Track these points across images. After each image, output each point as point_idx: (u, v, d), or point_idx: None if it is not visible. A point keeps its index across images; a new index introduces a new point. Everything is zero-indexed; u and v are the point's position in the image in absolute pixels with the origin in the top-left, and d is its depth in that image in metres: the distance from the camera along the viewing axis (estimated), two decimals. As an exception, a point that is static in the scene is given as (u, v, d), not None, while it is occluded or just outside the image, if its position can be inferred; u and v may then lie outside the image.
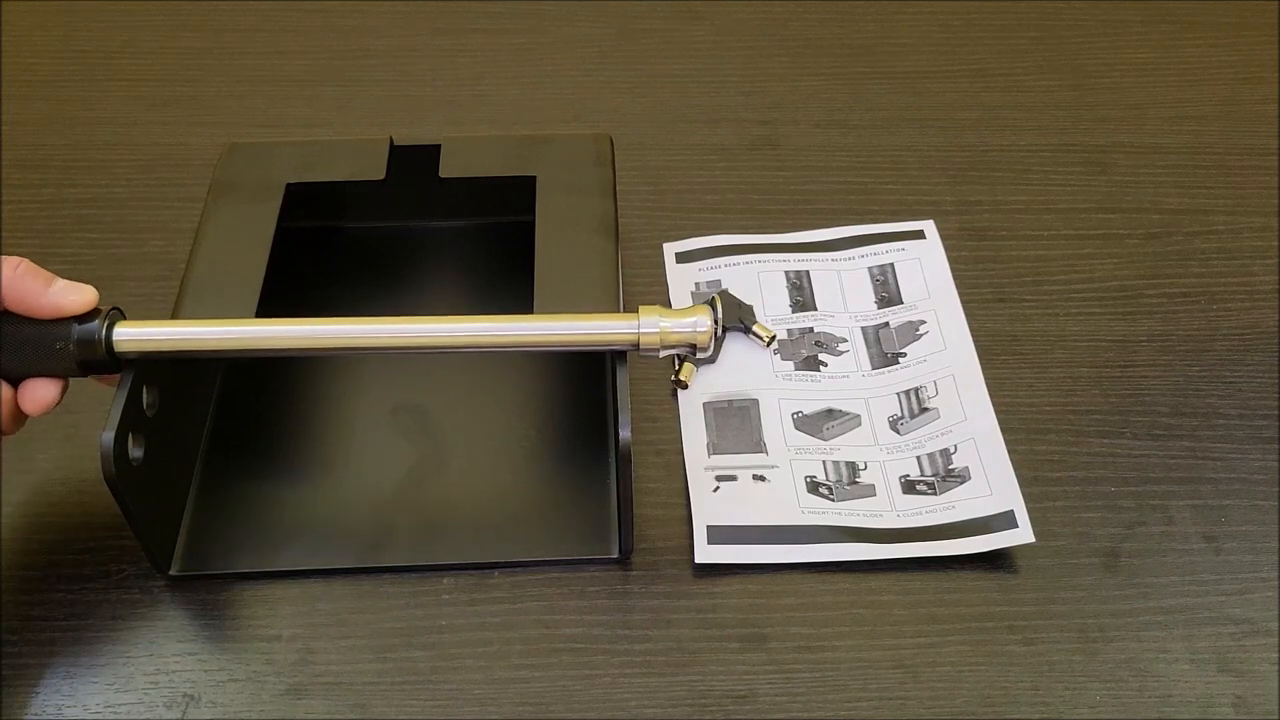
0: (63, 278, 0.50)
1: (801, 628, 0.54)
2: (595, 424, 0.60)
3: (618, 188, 0.61)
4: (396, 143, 0.63)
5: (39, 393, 0.50)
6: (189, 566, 0.55)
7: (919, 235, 0.70)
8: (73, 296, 0.50)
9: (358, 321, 0.51)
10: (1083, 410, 0.62)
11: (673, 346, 0.51)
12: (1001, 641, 0.53)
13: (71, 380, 0.51)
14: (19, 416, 0.51)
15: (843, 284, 0.67)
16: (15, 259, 0.50)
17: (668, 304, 0.67)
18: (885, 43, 0.83)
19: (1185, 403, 0.62)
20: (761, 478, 0.59)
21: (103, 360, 0.50)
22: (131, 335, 0.50)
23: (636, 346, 0.51)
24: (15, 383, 0.51)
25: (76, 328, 0.50)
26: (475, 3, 0.86)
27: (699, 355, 0.51)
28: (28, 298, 0.49)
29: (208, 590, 0.55)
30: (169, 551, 0.55)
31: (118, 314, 0.51)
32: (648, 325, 0.51)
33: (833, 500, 0.58)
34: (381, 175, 0.62)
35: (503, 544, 0.56)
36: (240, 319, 0.52)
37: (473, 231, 0.69)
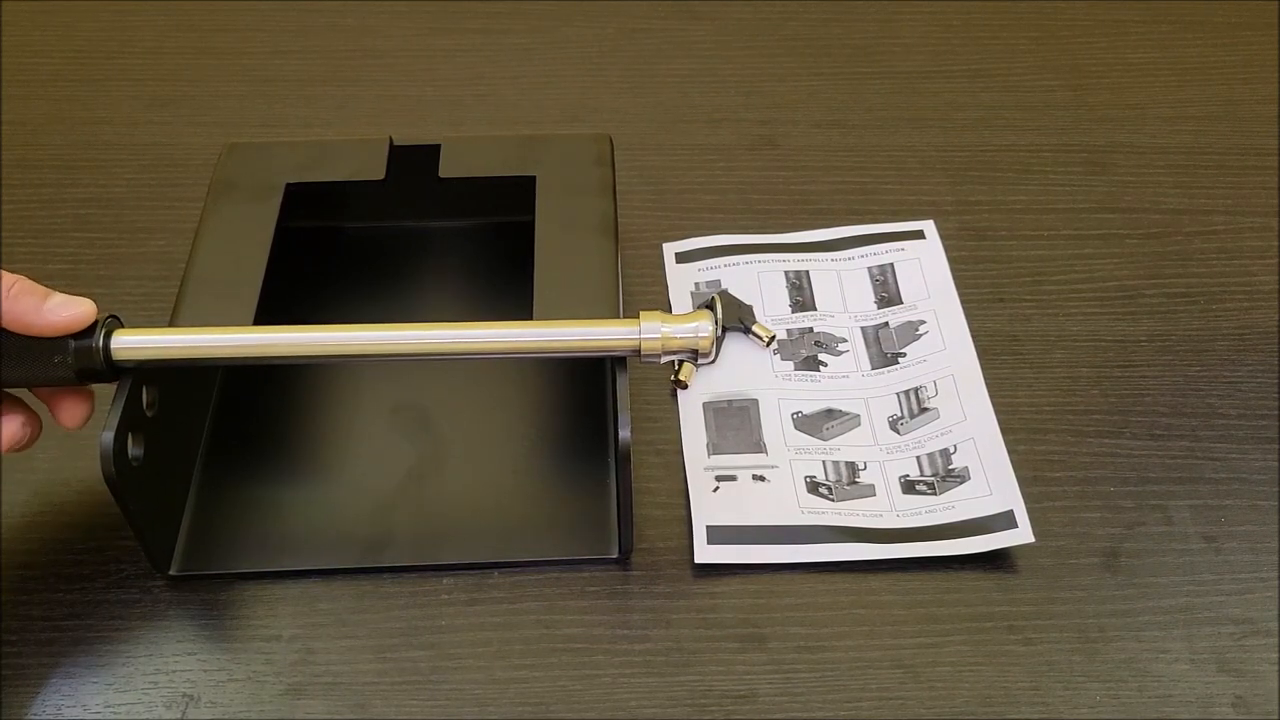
0: (63, 279, 0.50)
1: (801, 628, 0.54)
2: (595, 424, 0.60)
3: (618, 188, 0.61)
4: (396, 143, 0.63)
5: (74, 409, 0.51)
6: (189, 566, 0.55)
7: (919, 235, 0.70)
8: (69, 312, 0.49)
9: (357, 329, 0.51)
10: (1083, 410, 0.62)
11: (674, 352, 0.51)
12: (1001, 641, 0.53)
13: None
14: (31, 433, 0.51)
15: (842, 284, 0.67)
16: (11, 277, 0.49)
17: (668, 305, 0.67)
18: (885, 43, 0.83)
19: (1185, 403, 0.62)
20: (761, 478, 0.59)
21: (100, 370, 0.50)
22: (129, 344, 0.50)
23: (638, 352, 0.51)
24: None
25: (73, 338, 0.49)
26: (475, 3, 0.86)
27: (700, 360, 0.51)
28: (23, 317, 0.48)
29: (208, 590, 0.55)
30: (169, 551, 0.55)
31: (115, 322, 0.51)
32: (649, 331, 0.50)
33: (832, 500, 0.58)
34: (381, 175, 0.62)
35: (503, 544, 0.56)
36: (239, 327, 0.52)
37: (473, 231, 0.69)
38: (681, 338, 0.51)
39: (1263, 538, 0.57)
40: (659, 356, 0.51)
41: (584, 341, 0.51)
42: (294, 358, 0.51)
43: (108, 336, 0.50)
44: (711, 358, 0.52)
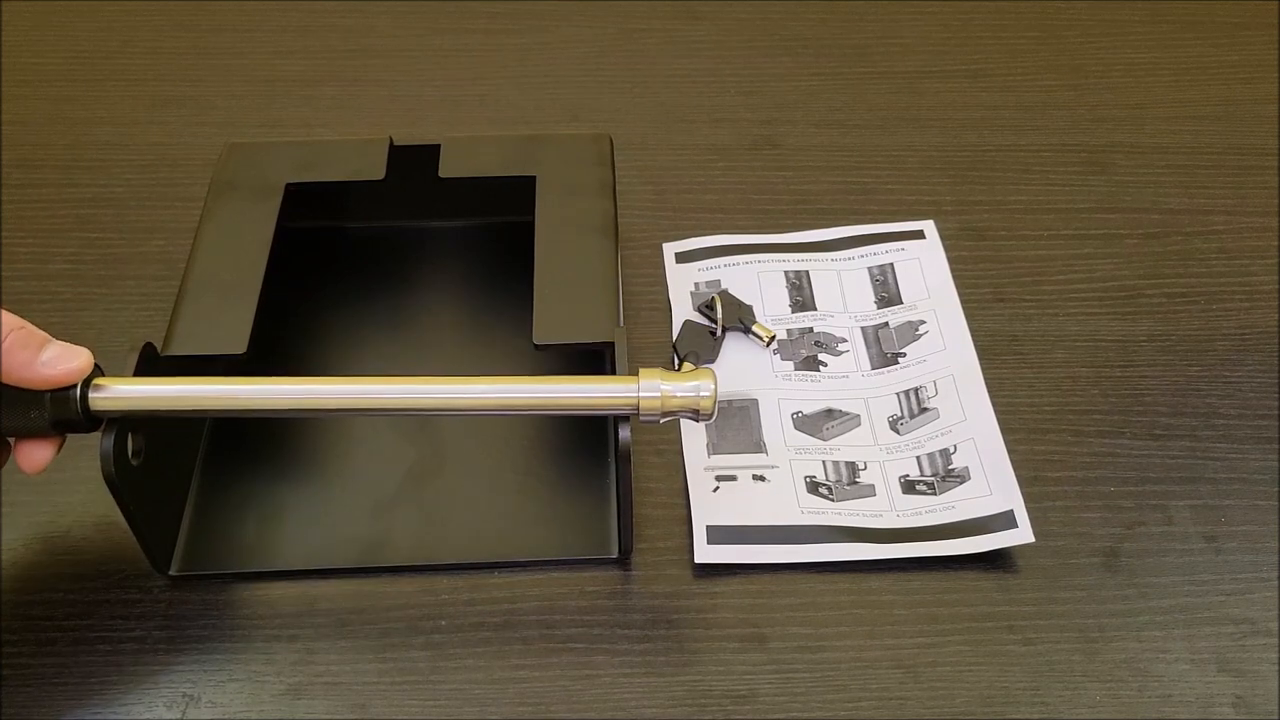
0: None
1: (801, 628, 0.54)
2: (595, 424, 0.60)
3: (618, 188, 0.61)
4: (396, 143, 0.63)
5: (35, 455, 0.49)
6: (189, 566, 0.55)
7: (919, 235, 0.70)
8: (64, 367, 0.47)
9: (350, 382, 0.50)
10: (1083, 410, 0.62)
11: (674, 412, 0.50)
12: (1001, 641, 0.53)
13: None
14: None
15: (842, 284, 0.67)
16: (9, 324, 0.47)
17: (667, 305, 0.67)
18: (885, 43, 0.83)
19: (1185, 403, 0.62)
20: (761, 478, 0.59)
21: (77, 420, 0.48)
22: (108, 395, 0.48)
23: (636, 410, 0.49)
24: None
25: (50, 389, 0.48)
26: (475, 3, 0.86)
27: (701, 420, 0.51)
28: (16, 371, 0.47)
29: (208, 590, 0.55)
30: (169, 551, 0.55)
31: (95, 370, 0.49)
32: (648, 390, 0.49)
33: (832, 500, 0.58)
34: (381, 175, 0.62)
35: (503, 544, 0.56)
36: (223, 378, 0.50)
37: (473, 231, 0.69)
38: (681, 396, 0.49)
39: (1263, 538, 0.57)
40: (658, 417, 0.50)
41: (581, 400, 0.50)
42: (278, 411, 0.51)
43: (85, 387, 0.48)
44: (713, 418, 0.51)
